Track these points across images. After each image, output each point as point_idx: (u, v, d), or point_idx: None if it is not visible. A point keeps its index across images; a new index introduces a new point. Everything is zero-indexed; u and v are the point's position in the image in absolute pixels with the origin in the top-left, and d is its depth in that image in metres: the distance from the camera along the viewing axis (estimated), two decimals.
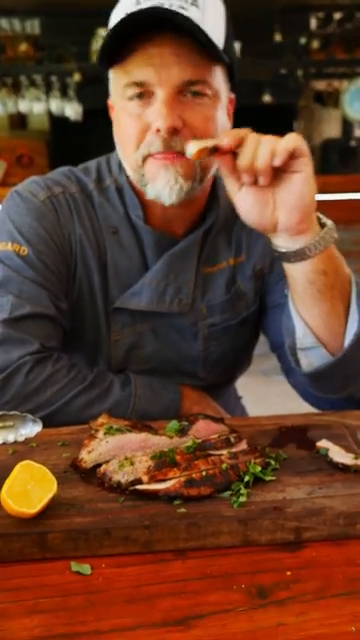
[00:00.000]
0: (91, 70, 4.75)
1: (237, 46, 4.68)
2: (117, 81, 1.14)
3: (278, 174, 1.00)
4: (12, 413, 0.98)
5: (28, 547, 0.78)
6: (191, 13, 1.04)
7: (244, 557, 0.78)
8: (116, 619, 0.68)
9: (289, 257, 1.05)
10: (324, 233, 1.04)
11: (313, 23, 5.19)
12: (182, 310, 1.26)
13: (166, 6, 1.04)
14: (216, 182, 1.28)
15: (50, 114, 5.10)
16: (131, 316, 1.26)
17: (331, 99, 5.35)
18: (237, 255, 1.30)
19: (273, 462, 0.92)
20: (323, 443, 0.97)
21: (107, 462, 0.91)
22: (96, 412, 1.10)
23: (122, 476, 0.87)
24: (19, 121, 5.53)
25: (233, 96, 1.21)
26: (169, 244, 1.25)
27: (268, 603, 0.70)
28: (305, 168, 0.99)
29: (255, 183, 1.01)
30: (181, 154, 1.08)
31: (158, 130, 1.08)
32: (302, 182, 1.00)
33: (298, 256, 1.04)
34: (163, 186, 1.12)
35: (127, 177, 1.24)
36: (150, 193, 1.15)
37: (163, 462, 0.88)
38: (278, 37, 4.94)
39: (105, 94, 1.21)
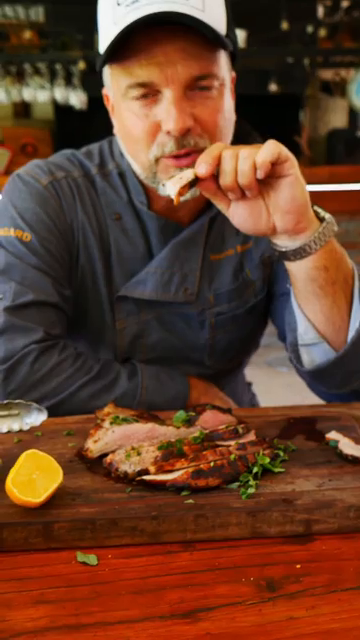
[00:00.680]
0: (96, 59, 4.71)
1: (243, 34, 4.64)
2: (117, 80, 1.10)
3: (266, 180, 0.96)
4: (17, 401, 0.97)
5: (33, 537, 0.77)
6: (192, 1, 1.01)
7: (253, 549, 0.77)
8: (123, 611, 0.67)
9: (289, 255, 1.02)
10: (323, 228, 1.00)
11: (320, 11, 5.13)
12: (187, 299, 1.24)
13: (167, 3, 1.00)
14: None
15: (54, 103, 5.06)
16: (136, 304, 1.24)
17: (338, 88, 5.30)
18: (244, 242, 1.28)
19: (282, 453, 0.91)
20: (333, 435, 0.96)
21: (113, 452, 0.89)
22: (102, 403, 1.10)
23: (129, 466, 0.86)
24: (23, 110, 5.49)
25: (234, 74, 1.18)
26: (174, 231, 1.23)
27: (278, 596, 0.69)
28: (291, 171, 0.95)
29: (243, 196, 0.98)
30: (194, 151, 1.06)
31: (169, 132, 1.05)
32: (290, 185, 0.96)
33: (298, 254, 1.01)
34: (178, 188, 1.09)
35: (129, 163, 1.22)
36: (163, 192, 1.11)
37: (170, 452, 0.87)
38: (285, 25, 4.88)
39: None
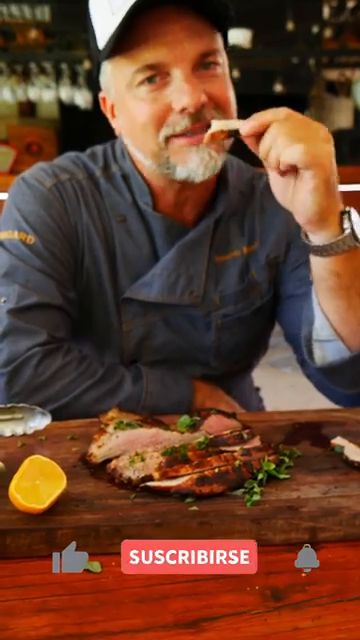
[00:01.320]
0: None
1: (249, 34, 4.63)
2: (121, 70, 1.08)
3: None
4: (21, 405, 0.96)
5: (36, 543, 0.76)
6: None
7: (257, 557, 0.76)
8: (126, 620, 0.66)
9: (306, 245, 1.02)
10: (338, 240, 0.98)
11: (326, 12, 5.12)
12: (193, 302, 1.23)
13: None
14: (225, 164, 1.24)
15: (60, 102, 5.07)
16: (142, 306, 1.24)
17: (343, 89, 5.29)
18: (250, 243, 1.28)
19: (287, 459, 0.90)
20: (338, 441, 0.95)
21: (117, 457, 0.89)
22: (106, 407, 1.08)
23: (133, 472, 0.85)
24: (28, 109, 5.50)
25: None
26: (179, 232, 1.23)
27: (283, 606, 0.68)
28: (310, 181, 0.93)
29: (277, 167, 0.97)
30: (209, 127, 1.04)
31: (183, 109, 1.04)
32: (307, 192, 0.94)
33: (309, 248, 1.01)
34: (197, 165, 1.08)
35: (134, 164, 1.21)
36: (180, 174, 1.10)
37: (175, 458, 0.86)
38: (290, 26, 4.88)
39: None
